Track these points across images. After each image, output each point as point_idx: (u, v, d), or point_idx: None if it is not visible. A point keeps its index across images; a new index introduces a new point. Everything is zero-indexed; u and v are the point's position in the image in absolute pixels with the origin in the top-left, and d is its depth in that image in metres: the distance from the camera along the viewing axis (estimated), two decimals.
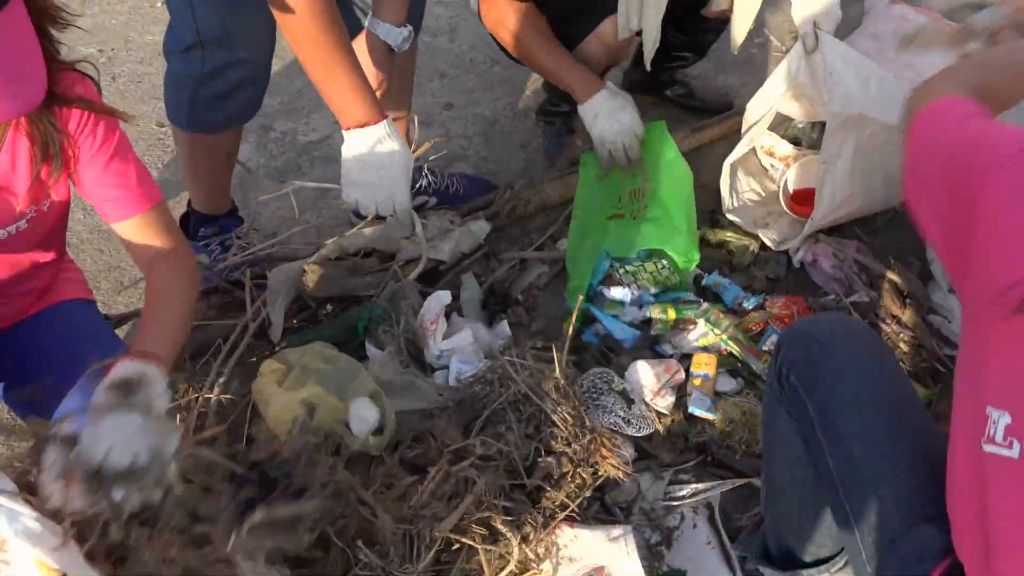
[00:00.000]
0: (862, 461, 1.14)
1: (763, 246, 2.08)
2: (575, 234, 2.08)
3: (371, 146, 1.66)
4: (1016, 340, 0.90)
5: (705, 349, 1.81)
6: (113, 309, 2.08)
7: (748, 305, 1.92)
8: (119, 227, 1.46)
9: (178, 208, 2.28)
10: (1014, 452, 0.91)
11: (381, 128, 1.66)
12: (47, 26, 1.22)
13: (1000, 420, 0.92)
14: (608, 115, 2.02)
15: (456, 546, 1.38)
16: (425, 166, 2.27)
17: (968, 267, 0.94)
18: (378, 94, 1.90)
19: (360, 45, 1.88)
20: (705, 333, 1.82)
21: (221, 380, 1.78)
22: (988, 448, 0.93)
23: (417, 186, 2.22)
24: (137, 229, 1.45)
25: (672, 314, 1.86)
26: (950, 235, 0.98)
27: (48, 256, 1.53)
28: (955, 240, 0.97)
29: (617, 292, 1.92)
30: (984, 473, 0.95)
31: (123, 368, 1.23)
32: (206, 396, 1.75)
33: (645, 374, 1.73)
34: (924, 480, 1.11)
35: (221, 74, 1.82)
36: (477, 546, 1.36)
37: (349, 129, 1.67)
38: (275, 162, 2.55)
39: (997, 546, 0.94)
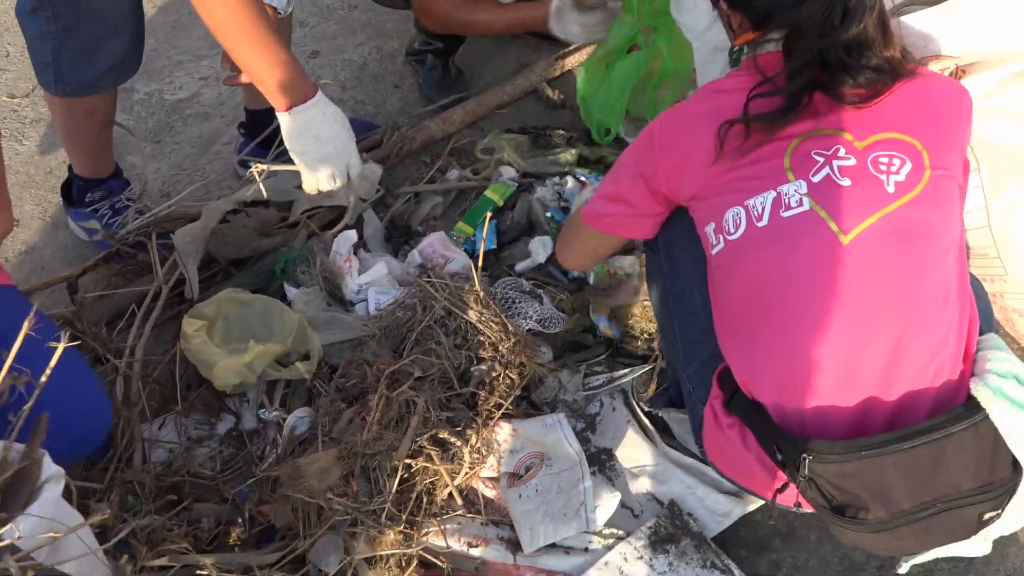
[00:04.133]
0: (686, 276, 1.47)
1: None
2: (592, 71, 2.18)
3: (317, 120, 1.63)
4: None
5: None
6: None
7: None
8: None
9: (55, 175, 2.24)
10: (721, 244, 1.30)
11: (320, 99, 1.63)
12: None
13: (710, 230, 1.32)
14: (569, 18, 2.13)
15: (414, 468, 1.49)
16: None
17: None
18: None
19: None
20: None
21: (142, 341, 1.81)
22: (713, 252, 1.33)
23: None
24: None
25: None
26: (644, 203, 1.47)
27: None
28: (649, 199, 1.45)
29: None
30: (714, 271, 1.35)
31: None
32: (130, 360, 1.78)
33: None
34: None
35: (76, 29, 1.75)
36: (434, 466, 1.48)
37: (290, 108, 1.61)
38: (145, 124, 2.50)
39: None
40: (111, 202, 2.07)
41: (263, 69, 1.58)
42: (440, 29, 2.38)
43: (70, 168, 2.08)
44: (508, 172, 2.24)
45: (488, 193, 2.18)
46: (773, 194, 1.26)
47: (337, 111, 1.67)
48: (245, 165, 2.26)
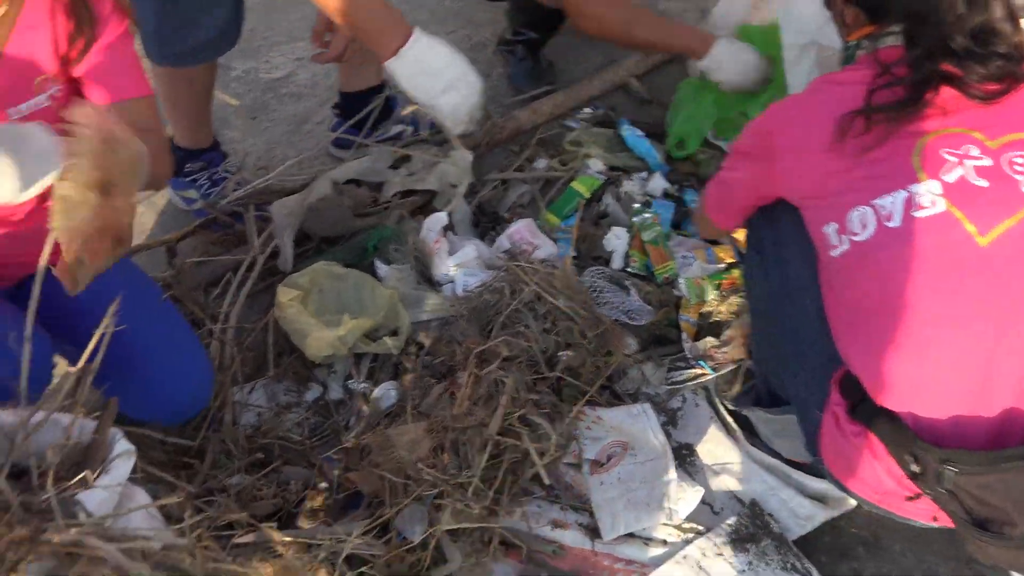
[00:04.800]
0: (796, 275, 1.42)
1: None
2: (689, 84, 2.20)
3: (425, 54, 1.66)
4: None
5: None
6: None
7: None
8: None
9: None
10: (845, 245, 1.26)
11: (420, 34, 1.67)
12: None
13: (830, 230, 1.28)
14: (730, 60, 2.08)
15: (503, 445, 1.50)
16: (401, 96, 2.35)
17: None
18: None
19: None
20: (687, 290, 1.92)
21: (235, 309, 1.86)
22: (834, 253, 1.28)
23: (394, 115, 2.29)
24: (123, 116, 1.36)
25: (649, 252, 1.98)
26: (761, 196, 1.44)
27: None
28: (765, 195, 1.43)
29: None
30: (834, 275, 1.30)
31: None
32: (224, 326, 1.83)
33: None
34: None
35: (177, 1, 1.80)
36: (523, 445, 1.49)
37: (399, 50, 1.64)
38: (242, 101, 2.57)
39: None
40: (209, 173, 2.13)
41: (362, 17, 1.61)
42: (595, 34, 2.26)
43: (171, 140, 2.15)
44: (596, 165, 2.24)
45: (575, 185, 2.18)
46: (904, 194, 1.21)
47: (439, 40, 1.68)
48: (338, 145, 2.32)
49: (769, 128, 1.39)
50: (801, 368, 1.41)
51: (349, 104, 2.27)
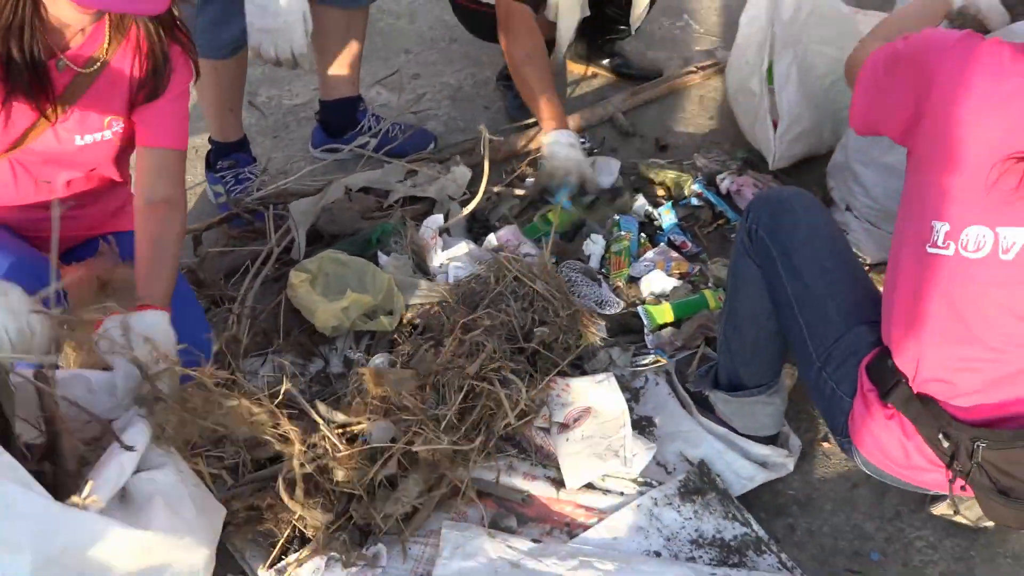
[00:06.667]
0: (813, 284, 1.55)
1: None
2: None
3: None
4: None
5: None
6: None
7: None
8: (144, 151, 1.67)
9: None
10: (949, 251, 1.31)
11: None
12: None
13: (940, 230, 1.31)
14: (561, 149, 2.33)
15: (478, 391, 1.70)
16: (370, 110, 2.65)
17: (919, 127, 1.34)
18: None
19: None
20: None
21: (252, 292, 2.10)
22: (931, 250, 1.33)
23: (360, 127, 2.60)
24: (157, 160, 1.65)
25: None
26: (904, 116, 1.38)
27: (121, 175, 1.80)
28: (907, 117, 1.37)
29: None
30: (923, 270, 1.35)
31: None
32: (241, 306, 2.06)
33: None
34: (860, 296, 1.56)
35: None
36: (496, 390, 1.70)
37: None
38: (265, 122, 2.85)
39: (920, 328, 1.38)
40: (235, 172, 2.39)
41: None
42: (505, 57, 2.60)
43: (209, 138, 2.41)
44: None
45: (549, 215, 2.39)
46: None
47: None
48: (315, 146, 2.66)
49: (932, 77, 1.31)
50: (829, 362, 1.54)
51: (326, 111, 2.60)
